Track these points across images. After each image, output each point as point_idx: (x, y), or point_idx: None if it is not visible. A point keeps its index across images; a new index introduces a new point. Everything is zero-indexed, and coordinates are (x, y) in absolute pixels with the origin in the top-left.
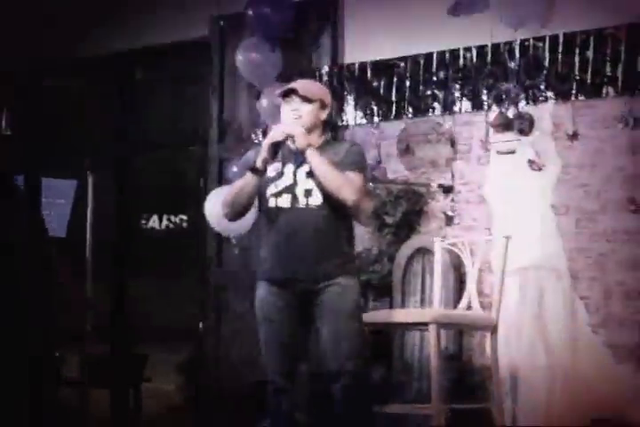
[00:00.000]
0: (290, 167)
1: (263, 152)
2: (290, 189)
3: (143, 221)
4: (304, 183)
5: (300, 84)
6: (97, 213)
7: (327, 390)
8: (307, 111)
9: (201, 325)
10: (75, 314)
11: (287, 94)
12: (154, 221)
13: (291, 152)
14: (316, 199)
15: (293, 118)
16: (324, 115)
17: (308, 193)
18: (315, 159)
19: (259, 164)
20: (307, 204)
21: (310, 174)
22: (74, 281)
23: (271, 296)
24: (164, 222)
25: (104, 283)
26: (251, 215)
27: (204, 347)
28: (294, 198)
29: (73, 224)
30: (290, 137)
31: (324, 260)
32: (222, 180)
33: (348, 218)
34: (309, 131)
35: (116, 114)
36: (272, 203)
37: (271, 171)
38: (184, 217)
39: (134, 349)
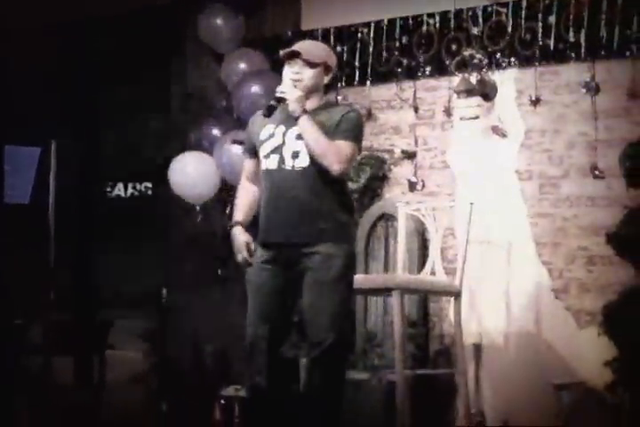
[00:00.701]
0: (281, 128)
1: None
2: (278, 149)
3: (108, 189)
4: (292, 145)
5: (305, 47)
6: (61, 181)
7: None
8: (309, 76)
9: (164, 291)
10: (38, 281)
11: (290, 57)
12: (119, 189)
13: (284, 114)
14: (303, 161)
15: (294, 81)
16: (327, 79)
17: (295, 155)
18: (304, 124)
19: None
20: (293, 165)
21: (300, 137)
22: (37, 248)
23: (259, 261)
24: (130, 190)
25: (68, 250)
26: (212, 183)
27: (167, 314)
28: (281, 159)
29: (37, 191)
30: (284, 100)
31: (307, 224)
32: (185, 147)
33: (337, 182)
34: (309, 94)
35: (78, 81)
36: (263, 164)
37: (264, 133)
38: (149, 185)
39: (98, 316)
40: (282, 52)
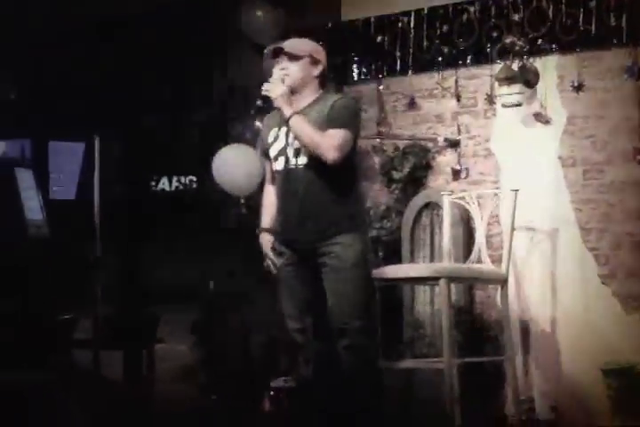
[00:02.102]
0: (283, 130)
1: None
2: (283, 151)
3: (153, 183)
4: (294, 143)
5: (287, 42)
6: (106, 176)
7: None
8: (294, 70)
9: (212, 284)
10: (85, 277)
11: (276, 54)
12: (163, 183)
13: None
14: (303, 159)
15: (281, 77)
16: (316, 71)
17: (296, 153)
18: (294, 123)
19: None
20: (296, 164)
21: None
22: (84, 244)
23: (280, 256)
24: (174, 184)
25: (114, 245)
26: (257, 176)
27: (215, 306)
28: (286, 160)
29: (83, 187)
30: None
31: (316, 219)
32: (228, 139)
33: (341, 174)
34: (301, 88)
35: (120, 76)
36: (273, 166)
37: (270, 136)
38: (193, 178)
39: (146, 310)
40: (266, 50)
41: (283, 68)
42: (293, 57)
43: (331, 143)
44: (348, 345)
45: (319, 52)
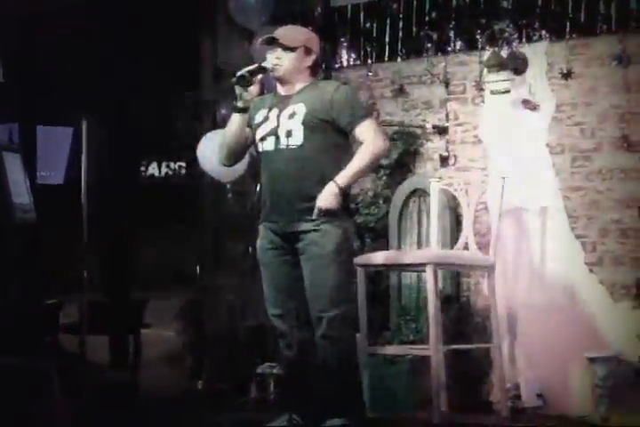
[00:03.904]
0: (274, 112)
1: (234, 80)
2: (273, 131)
3: (142, 169)
4: (286, 125)
5: (282, 32)
6: (94, 161)
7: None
8: (288, 59)
9: (198, 269)
10: (72, 262)
11: (269, 42)
12: (153, 168)
13: (276, 98)
14: (297, 139)
15: (275, 65)
16: (309, 61)
17: (288, 133)
18: (346, 178)
19: (237, 100)
20: (287, 144)
21: (292, 116)
22: (71, 229)
23: (264, 240)
24: (164, 170)
25: (102, 230)
26: (243, 161)
27: (201, 291)
28: (277, 140)
29: (71, 172)
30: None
31: (304, 201)
32: (217, 125)
33: (332, 157)
34: (292, 77)
35: (108, 59)
36: (260, 147)
37: (258, 117)
38: (182, 164)
39: (133, 295)
40: (260, 40)
41: (277, 57)
42: (288, 48)
43: (378, 143)
44: (324, 334)
45: (313, 41)
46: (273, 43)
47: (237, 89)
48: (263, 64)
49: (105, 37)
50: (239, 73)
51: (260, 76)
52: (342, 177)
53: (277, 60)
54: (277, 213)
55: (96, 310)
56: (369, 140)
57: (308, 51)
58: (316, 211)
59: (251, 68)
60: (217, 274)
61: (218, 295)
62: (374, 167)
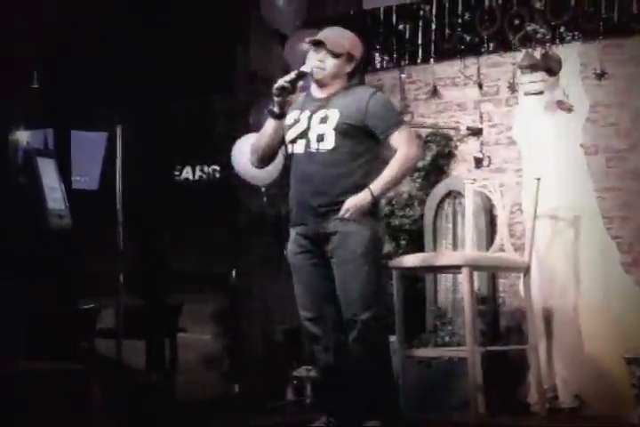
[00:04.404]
0: (306, 114)
1: (274, 93)
2: (304, 134)
3: (177, 173)
4: (317, 129)
5: (331, 36)
6: (129, 166)
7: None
8: (331, 65)
9: (234, 273)
10: (108, 267)
11: (316, 44)
12: (187, 173)
13: (308, 99)
14: (328, 144)
15: (317, 69)
16: (349, 68)
17: (320, 138)
18: (380, 187)
19: (273, 106)
20: (318, 148)
21: (324, 120)
22: (107, 233)
23: (294, 244)
24: (198, 173)
25: (137, 234)
26: (277, 164)
27: (237, 295)
28: (307, 143)
29: (106, 177)
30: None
31: (333, 205)
32: (250, 128)
33: (362, 164)
34: (330, 81)
35: (142, 63)
36: (290, 149)
37: (289, 119)
38: (216, 168)
39: (168, 299)
40: (307, 40)
41: (320, 61)
42: (333, 53)
43: (411, 151)
44: (357, 337)
45: (357, 48)
46: (319, 46)
47: (277, 98)
48: (302, 69)
49: (139, 41)
50: (280, 84)
51: (300, 83)
52: (377, 186)
53: (320, 64)
54: (306, 215)
55: (132, 314)
56: (403, 148)
57: (350, 57)
58: (342, 211)
59: (291, 76)
60: (252, 277)
61: (253, 298)
62: (409, 175)
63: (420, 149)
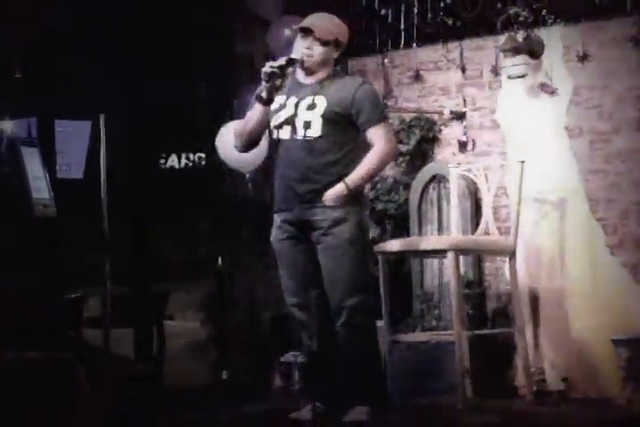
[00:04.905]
0: (292, 100)
1: (263, 79)
2: (290, 120)
3: (162, 161)
4: (304, 115)
5: (318, 23)
6: (113, 154)
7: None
8: (319, 52)
9: (220, 260)
10: (94, 255)
11: (304, 31)
12: (173, 161)
13: (295, 85)
14: (314, 131)
15: (305, 56)
16: (336, 54)
17: (307, 125)
18: (356, 181)
19: (262, 91)
20: (304, 135)
21: (311, 107)
22: (92, 222)
23: (278, 230)
24: (183, 161)
25: (123, 223)
26: (261, 150)
27: (223, 282)
28: (294, 130)
29: (91, 166)
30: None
31: (317, 191)
32: (234, 115)
33: (348, 152)
34: (317, 67)
35: (124, 52)
36: (275, 134)
37: (275, 103)
38: (202, 155)
39: (155, 287)
40: (295, 28)
41: (308, 48)
42: (321, 41)
43: (387, 148)
44: (345, 323)
45: (344, 35)
46: (307, 33)
47: (266, 84)
48: (292, 56)
49: (123, 29)
50: (268, 69)
51: (290, 69)
52: (352, 179)
53: (308, 51)
54: (291, 202)
55: (119, 302)
56: (379, 144)
57: (337, 44)
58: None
59: (280, 62)
60: (239, 264)
61: (240, 285)
62: (383, 169)
63: (395, 148)
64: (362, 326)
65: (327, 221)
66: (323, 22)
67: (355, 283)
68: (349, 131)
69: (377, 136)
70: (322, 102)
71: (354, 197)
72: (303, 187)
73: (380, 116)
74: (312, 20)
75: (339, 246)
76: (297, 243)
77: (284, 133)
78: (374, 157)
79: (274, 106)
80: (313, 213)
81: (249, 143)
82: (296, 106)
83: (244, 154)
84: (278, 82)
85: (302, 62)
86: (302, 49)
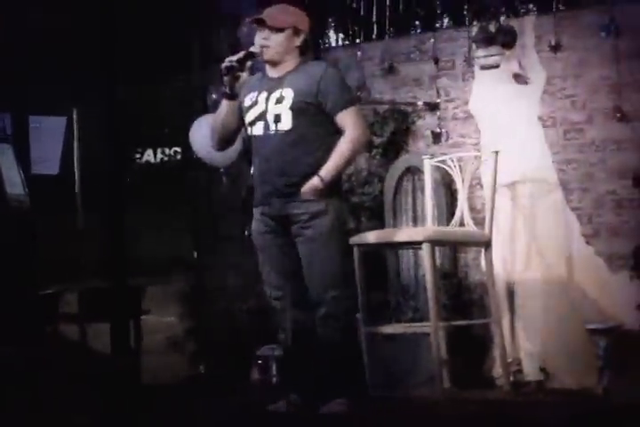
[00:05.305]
0: (263, 95)
1: (222, 73)
2: (262, 116)
3: (138, 156)
4: (274, 109)
5: (270, 13)
6: (88, 149)
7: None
8: (276, 41)
9: (195, 254)
10: (69, 249)
11: (257, 23)
12: (148, 155)
13: (265, 80)
14: (285, 124)
15: (262, 48)
16: (297, 41)
17: (277, 118)
18: (330, 173)
19: (224, 86)
20: (276, 129)
21: (279, 101)
22: (67, 218)
23: (259, 224)
24: (159, 156)
25: (98, 218)
26: (235, 145)
27: (200, 276)
28: (266, 125)
29: (66, 161)
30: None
31: (295, 185)
32: (207, 109)
33: (322, 141)
34: (281, 58)
35: (96, 46)
36: (249, 131)
37: (247, 100)
38: (178, 149)
39: (131, 282)
40: (247, 20)
41: (264, 38)
42: (275, 29)
43: (357, 134)
44: (324, 315)
45: (303, 21)
46: (260, 24)
47: (226, 77)
48: (251, 49)
49: (95, 25)
50: (227, 63)
51: (249, 63)
52: (325, 171)
53: (265, 42)
54: (270, 196)
55: (95, 297)
56: (349, 130)
57: (296, 31)
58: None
59: (239, 56)
60: (214, 258)
61: (216, 279)
62: (357, 156)
63: (366, 133)
64: (342, 319)
65: (307, 214)
66: (274, 11)
67: (334, 275)
68: (321, 120)
69: (346, 122)
70: (289, 94)
71: (331, 189)
72: (280, 181)
73: (347, 101)
74: (265, 12)
75: (318, 239)
76: (277, 236)
77: (258, 129)
78: (345, 146)
79: (247, 103)
80: (292, 207)
81: (222, 140)
82: (266, 100)
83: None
84: (238, 75)
85: (261, 54)
86: (259, 40)
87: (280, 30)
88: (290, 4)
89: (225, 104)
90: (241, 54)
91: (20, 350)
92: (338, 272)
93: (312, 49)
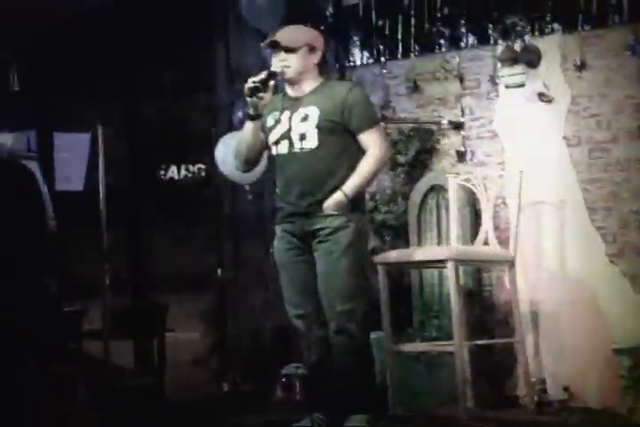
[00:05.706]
0: (286, 114)
1: (246, 94)
2: (286, 135)
3: (162, 172)
4: (298, 128)
5: (283, 34)
6: (113, 166)
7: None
8: (294, 61)
9: (219, 272)
10: (93, 267)
11: (272, 46)
12: (172, 172)
13: (287, 100)
14: (311, 143)
15: (282, 68)
16: (314, 58)
17: (302, 137)
18: (353, 189)
19: (248, 107)
20: (301, 148)
21: (305, 119)
22: (92, 234)
23: (281, 241)
24: (183, 172)
25: (122, 235)
26: (261, 162)
27: (224, 293)
28: (290, 143)
29: (91, 178)
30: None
31: (318, 202)
32: (233, 126)
33: (346, 159)
34: (301, 77)
35: (121, 65)
36: (274, 150)
37: (270, 120)
38: (202, 166)
39: (155, 299)
40: (262, 45)
41: (282, 60)
42: (290, 49)
43: (381, 153)
44: (337, 329)
45: (316, 39)
46: (275, 46)
47: (249, 99)
48: (272, 69)
49: (121, 41)
50: (250, 84)
51: (272, 83)
52: (349, 187)
53: (282, 63)
54: (294, 215)
55: (119, 314)
56: (372, 149)
57: (311, 49)
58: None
59: (261, 76)
60: (239, 275)
61: (241, 297)
62: (379, 174)
63: (388, 151)
64: (355, 333)
65: (329, 228)
66: (287, 32)
67: (349, 289)
68: (346, 138)
69: (370, 141)
70: (314, 113)
71: (354, 204)
72: (305, 200)
73: (372, 121)
74: (277, 34)
75: (334, 252)
76: (299, 254)
77: (282, 148)
78: (368, 164)
79: (270, 123)
80: (315, 223)
81: (247, 161)
82: (290, 120)
83: None
84: (262, 96)
85: (282, 74)
86: (277, 62)
87: (295, 50)
88: (315, 25)
89: (249, 125)
90: (263, 75)
91: (45, 366)
92: (353, 286)
93: (336, 68)
